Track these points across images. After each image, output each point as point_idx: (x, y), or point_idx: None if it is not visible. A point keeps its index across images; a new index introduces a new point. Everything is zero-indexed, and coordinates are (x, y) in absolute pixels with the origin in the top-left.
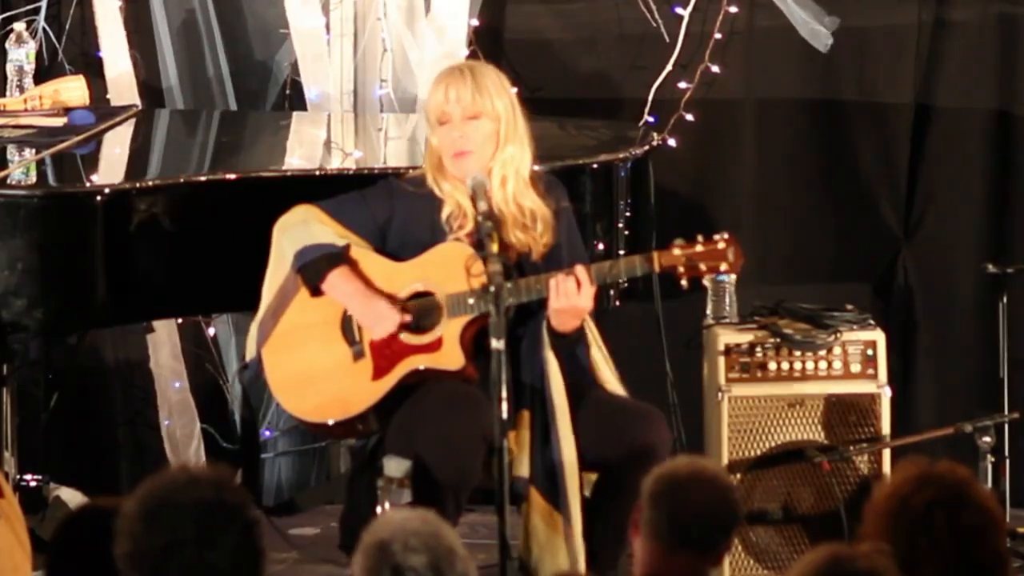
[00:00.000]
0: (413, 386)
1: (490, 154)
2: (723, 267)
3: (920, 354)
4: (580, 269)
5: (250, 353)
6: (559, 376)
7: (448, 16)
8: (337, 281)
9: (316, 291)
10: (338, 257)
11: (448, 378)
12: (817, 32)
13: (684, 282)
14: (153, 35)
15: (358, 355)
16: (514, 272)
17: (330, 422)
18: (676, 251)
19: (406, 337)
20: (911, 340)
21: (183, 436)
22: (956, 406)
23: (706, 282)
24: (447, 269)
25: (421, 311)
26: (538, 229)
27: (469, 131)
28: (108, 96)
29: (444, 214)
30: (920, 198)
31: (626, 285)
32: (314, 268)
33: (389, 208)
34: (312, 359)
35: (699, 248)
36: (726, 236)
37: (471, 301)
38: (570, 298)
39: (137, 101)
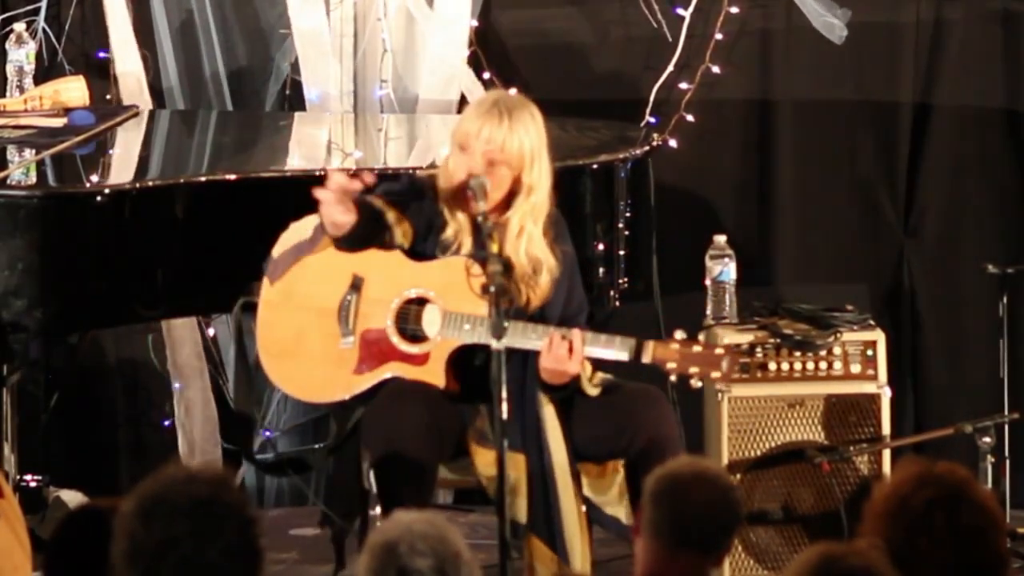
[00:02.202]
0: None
1: (499, 196)
2: (715, 375)
3: (923, 353)
4: (576, 336)
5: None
6: (558, 428)
7: (450, 16)
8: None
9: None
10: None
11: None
12: (831, 24)
13: (672, 378)
14: (154, 35)
15: (347, 345)
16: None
17: (305, 400)
18: (673, 346)
19: (397, 341)
20: (914, 339)
21: (202, 436)
22: (958, 406)
23: (706, 282)
24: (450, 283)
25: (413, 317)
26: (541, 279)
27: (492, 173)
28: (108, 96)
29: (441, 234)
30: (921, 197)
31: (626, 285)
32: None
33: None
34: (303, 331)
35: (696, 349)
36: (726, 342)
37: (467, 327)
38: (560, 362)
39: (148, 100)
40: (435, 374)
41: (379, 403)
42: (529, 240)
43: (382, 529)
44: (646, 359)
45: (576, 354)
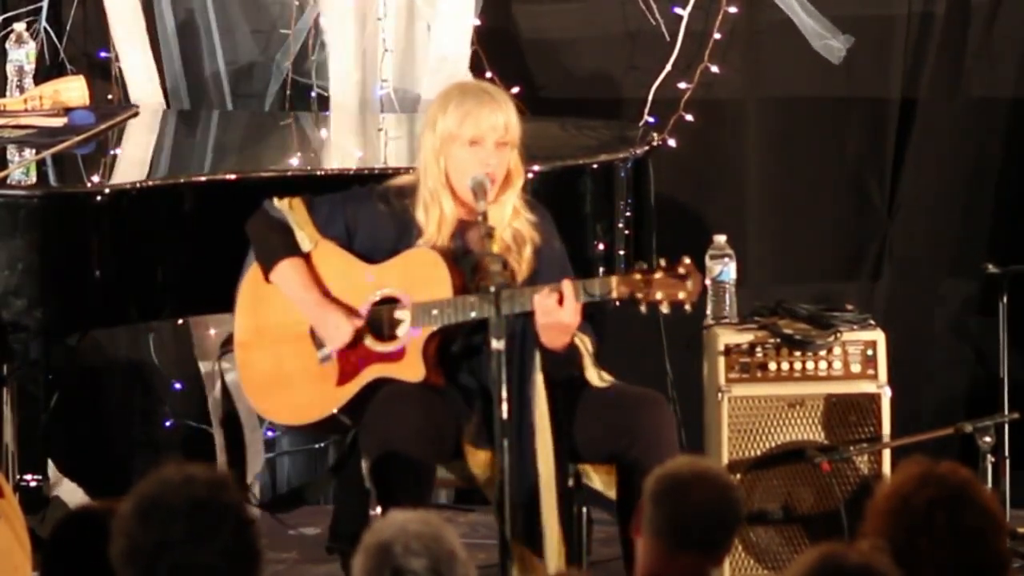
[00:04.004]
0: (381, 385)
1: (503, 176)
2: (680, 295)
3: (915, 353)
4: (566, 284)
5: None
6: (544, 403)
7: (453, 15)
8: (289, 274)
9: (266, 276)
10: (295, 248)
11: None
12: (830, 47)
13: (643, 308)
14: (155, 36)
15: (325, 359)
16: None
17: (296, 425)
18: (636, 276)
19: (372, 344)
20: (904, 337)
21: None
22: (952, 405)
23: (707, 282)
24: (413, 276)
25: (388, 317)
26: (525, 252)
27: (501, 158)
28: (108, 96)
29: (418, 242)
30: (921, 195)
31: None
32: (268, 253)
33: (355, 218)
34: (281, 360)
35: (658, 275)
36: (687, 262)
37: (435, 312)
38: (552, 314)
39: (161, 100)
40: (413, 367)
41: (376, 407)
42: (516, 216)
43: (376, 529)
44: (614, 295)
45: (568, 302)
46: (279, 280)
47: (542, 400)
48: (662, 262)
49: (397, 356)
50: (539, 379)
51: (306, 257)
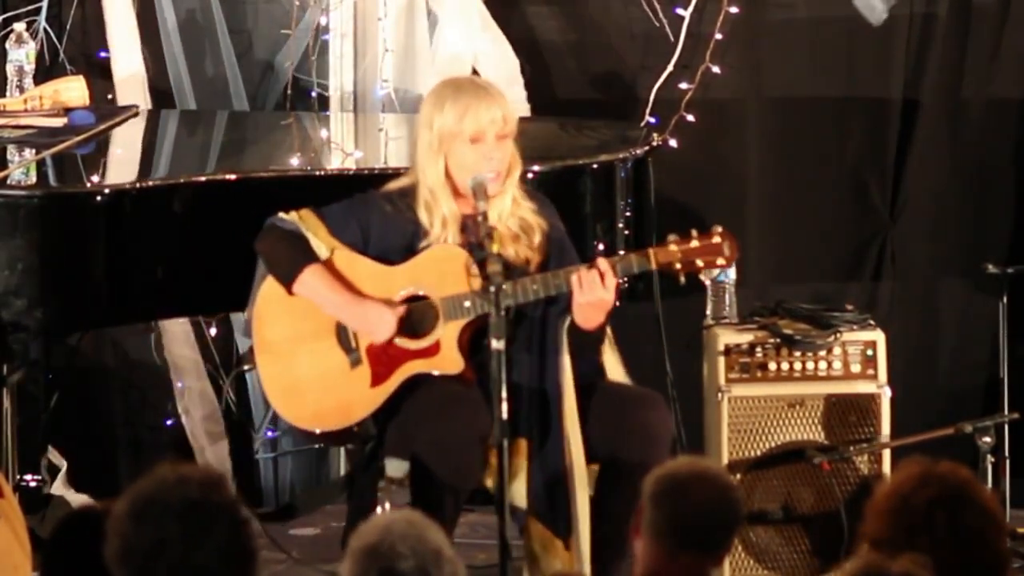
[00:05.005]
0: (410, 386)
1: (506, 168)
2: (720, 261)
3: (915, 353)
4: (602, 261)
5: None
6: (572, 388)
7: (459, 15)
8: (313, 280)
9: (288, 288)
10: (312, 256)
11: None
12: (872, 6)
13: (682, 278)
14: (158, 35)
15: (355, 362)
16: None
17: (330, 430)
18: (672, 247)
19: (402, 342)
20: (904, 337)
21: (209, 432)
22: (952, 405)
23: (706, 282)
24: (440, 272)
25: (416, 315)
26: (536, 239)
27: (503, 151)
28: (108, 96)
29: (423, 242)
30: (919, 195)
31: (626, 285)
32: (286, 266)
33: (367, 222)
34: (308, 368)
35: (694, 243)
36: (720, 230)
37: (467, 304)
38: (595, 290)
39: (147, 101)
40: (451, 360)
41: (428, 410)
42: (518, 206)
43: (363, 532)
44: (652, 266)
45: (608, 278)
46: (304, 289)
47: (570, 383)
48: (694, 231)
49: (432, 351)
50: (566, 361)
51: (325, 263)
